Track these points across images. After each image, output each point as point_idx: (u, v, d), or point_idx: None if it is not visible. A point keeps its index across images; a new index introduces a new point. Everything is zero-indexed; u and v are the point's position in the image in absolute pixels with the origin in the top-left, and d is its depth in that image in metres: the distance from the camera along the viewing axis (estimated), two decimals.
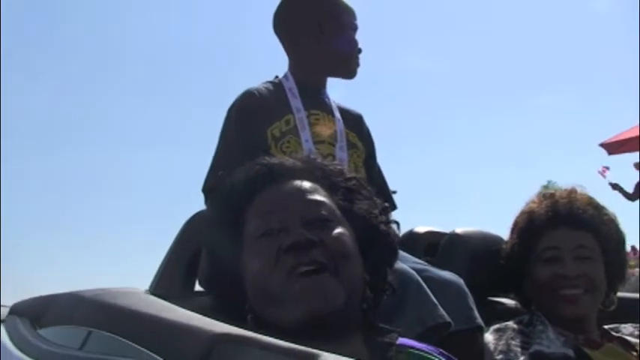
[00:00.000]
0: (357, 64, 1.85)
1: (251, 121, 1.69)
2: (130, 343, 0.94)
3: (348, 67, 1.85)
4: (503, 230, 1.68)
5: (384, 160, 1.92)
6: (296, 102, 1.74)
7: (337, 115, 1.80)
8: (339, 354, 0.72)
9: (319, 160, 1.13)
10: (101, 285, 1.20)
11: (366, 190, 1.11)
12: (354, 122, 1.85)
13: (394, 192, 1.89)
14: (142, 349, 0.90)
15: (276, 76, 1.85)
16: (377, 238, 1.06)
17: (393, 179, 1.91)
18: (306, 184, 1.05)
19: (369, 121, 1.92)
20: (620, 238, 1.60)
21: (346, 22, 1.84)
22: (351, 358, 0.72)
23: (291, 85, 1.79)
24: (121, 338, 0.98)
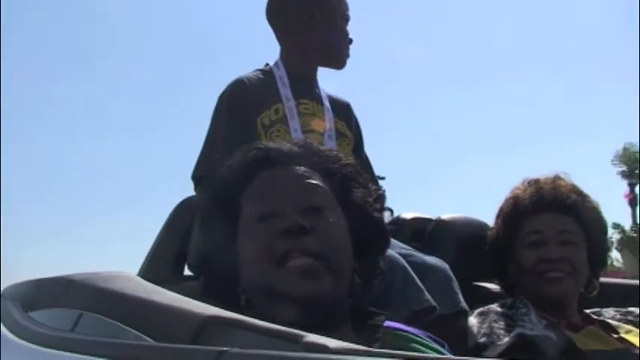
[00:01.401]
0: (348, 55, 1.86)
1: (241, 109, 1.69)
2: (120, 325, 0.95)
3: (339, 58, 1.85)
4: (490, 218, 1.70)
5: (371, 146, 1.93)
6: (285, 91, 1.74)
7: (327, 104, 1.81)
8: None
9: (316, 145, 1.12)
10: (92, 269, 1.21)
11: (362, 177, 1.11)
12: (343, 111, 1.86)
13: (382, 178, 1.90)
14: (133, 330, 0.91)
15: (267, 64, 1.84)
16: (371, 227, 1.06)
17: (381, 166, 1.92)
18: (303, 171, 1.04)
19: (357, 108, 1.93)
20: (602, 225, 1.63)
21: (339, 12, 1.85)
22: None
23: (281, 73, 1.79)
24: (111, 320, 0.99)
